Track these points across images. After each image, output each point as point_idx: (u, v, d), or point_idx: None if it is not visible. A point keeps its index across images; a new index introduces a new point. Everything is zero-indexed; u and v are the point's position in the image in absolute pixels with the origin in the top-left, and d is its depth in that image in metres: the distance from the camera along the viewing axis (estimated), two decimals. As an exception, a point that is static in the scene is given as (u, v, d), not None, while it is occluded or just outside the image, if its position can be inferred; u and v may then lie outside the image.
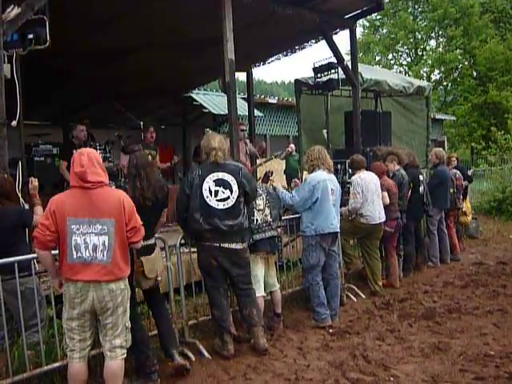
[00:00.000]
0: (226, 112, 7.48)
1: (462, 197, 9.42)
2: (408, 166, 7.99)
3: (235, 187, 4.78)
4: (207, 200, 4.68)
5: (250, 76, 11.58)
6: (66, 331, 3.65)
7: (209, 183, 4.71)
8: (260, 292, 5.30)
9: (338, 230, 5.92)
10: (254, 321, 4.90)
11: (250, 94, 11.81)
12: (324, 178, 5.73)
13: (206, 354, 4.83)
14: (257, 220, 5.28)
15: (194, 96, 13.85)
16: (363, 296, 6.85)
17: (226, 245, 4.75)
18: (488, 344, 5.00)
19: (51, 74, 8.90)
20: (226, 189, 4.75)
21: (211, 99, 14.30)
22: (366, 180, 6.86)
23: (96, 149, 9.35)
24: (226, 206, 4.74)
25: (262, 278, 5.40)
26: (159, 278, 4.38)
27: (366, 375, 4.37)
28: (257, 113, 13.66)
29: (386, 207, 7.06)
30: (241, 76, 11.59)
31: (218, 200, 4.71)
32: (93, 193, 3.58)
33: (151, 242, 4.39)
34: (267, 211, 5.37)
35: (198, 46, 8.67)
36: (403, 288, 7.21)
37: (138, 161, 4.39)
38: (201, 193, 4.68)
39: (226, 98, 7.19)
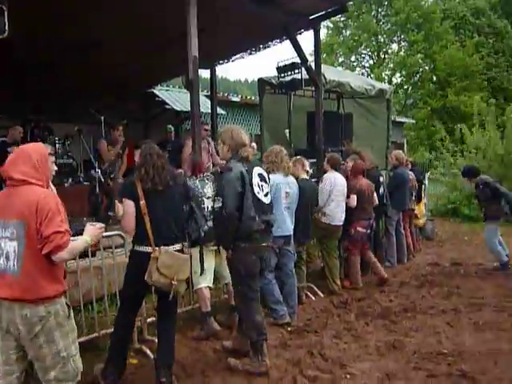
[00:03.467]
0: (189, 109, 7.45)
1: (414, 198, 9.59)
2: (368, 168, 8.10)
3: (270, 182, 4.78)
4: (258, 195, 4.48)
5: (213, 73, 11.56)
6: None
7: (256, 178, 4.52)
8: (206, 283, 5.26)
9: (289, 233, 5.86)
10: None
11: (213, 91, 11.80)
12: (278, 182, 5.68)
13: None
14: (207, 207, 5.21)
15: (156, 92, 13.73)
16: (322, 295, 6.92)
17: (270, 243, 4.68)
18: (441, 342, 5.12)
19: (9, 66, 8.69)
20: (266, 183, 4.66)
21: (174, 95, 14.21)
22: (337, 181, 7.00)
23: (55, 143, 9.19)
24: (269, 201, 4.65)
25: (211, 269, 5.34)
26: (175, 283, 4.00)
27: (324, 373, 4.42)
28: (219, 111, 13.64)
29: (359, 207, 7.24)
30: (204, 73, 11.56)
31: (264, 195, 4.58)
32: (13, 191, 3.12)
33: (176, 247, 4.13)
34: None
35: (162, 42, 8.60)
36: (361, 288, 7.31)
37: (147, 150, 4.20)
38: (252, 189, 4.44)
39: (188, 94, 7.16)
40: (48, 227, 2.99)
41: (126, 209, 4.05)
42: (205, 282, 5.25)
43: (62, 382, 3.16)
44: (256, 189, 4.46)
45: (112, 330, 4.41)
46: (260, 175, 4.58)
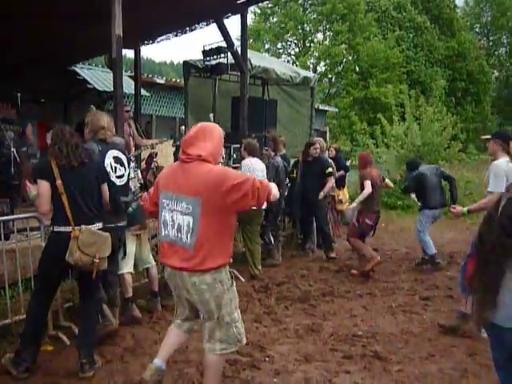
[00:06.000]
0: (112, 89, 7.25)
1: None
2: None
3: (126, 164, 4.88)
4: (110, 176, 4.58)
5: (137, 54, 11.31)
6: None
7: (110, 159, 4.69)
8: (128, 269, 5.18)
9: None
10: None
11: (137, 72, 11.56)
12: None
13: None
14: (133, 188, 5.24)
15: (77, 70, 13.26)
16: (243, 280, 6.98)
17: (120, 223, 4.72)
18: (357, 325, 5.32)
19: None
20: (121, 166, 4.81)
21: (96, 75, 13.79)
22: (255, 166, 7.02)
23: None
24: (122, 183, 4.82)
25: (133, 254, 5.26)
26: (96, 260, 3.93)
27: (243, 356, 4.47)
28: (143, 92, 13.39)
29: (371, 198, 7.26)
30: (128, 53, 11.28)
31: (117, 177, 4.74)
32: (186, 166, 3.25)
33: (99, 225, 4.09)
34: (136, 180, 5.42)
35: (85, 18, 8.29)
36: (282, 272, 7.44)
37: (58, 129, 4.09)
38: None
39: (111, 74, 6.97)
40: (237, 189, 3.08)
41: (40, 190, 3.89)
42: (127, 268, 5.16)
43: (224, 343, 3.35)
44: (107, 169, 4.62)
45: (25, 316, 4.26)
46: (115, 158, 4.76)
